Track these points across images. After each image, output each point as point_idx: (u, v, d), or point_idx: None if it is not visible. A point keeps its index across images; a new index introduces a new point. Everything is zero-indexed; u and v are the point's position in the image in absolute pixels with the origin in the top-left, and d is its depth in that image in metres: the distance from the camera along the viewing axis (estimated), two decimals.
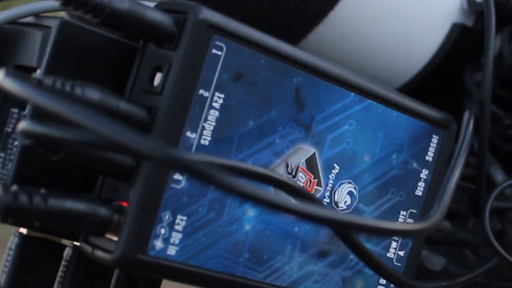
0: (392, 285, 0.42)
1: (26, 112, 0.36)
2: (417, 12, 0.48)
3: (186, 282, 0.37)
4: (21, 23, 0.38)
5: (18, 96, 0.30)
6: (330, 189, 0.40)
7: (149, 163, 0.34)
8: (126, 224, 0.35)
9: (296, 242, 0.39)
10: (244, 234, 0.38)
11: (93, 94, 0.34)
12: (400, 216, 0.42)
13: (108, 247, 0.35)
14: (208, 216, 0.36)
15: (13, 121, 0.37)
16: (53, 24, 0.36)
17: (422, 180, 0.43)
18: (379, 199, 0.42)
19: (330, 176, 0.40)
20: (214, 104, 0.36)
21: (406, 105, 0.42)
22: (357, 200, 0.41)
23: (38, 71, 0.36)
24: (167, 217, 0.35)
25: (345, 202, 0.41)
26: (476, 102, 0.45)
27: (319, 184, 0.40)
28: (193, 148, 0.36)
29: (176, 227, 0.36)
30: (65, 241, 0.38)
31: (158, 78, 0.36)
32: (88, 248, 0.36)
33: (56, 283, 0.38)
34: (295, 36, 0.45)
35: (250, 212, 0.38)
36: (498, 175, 0.48)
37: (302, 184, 0.39)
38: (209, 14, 0.36)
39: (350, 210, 0.41)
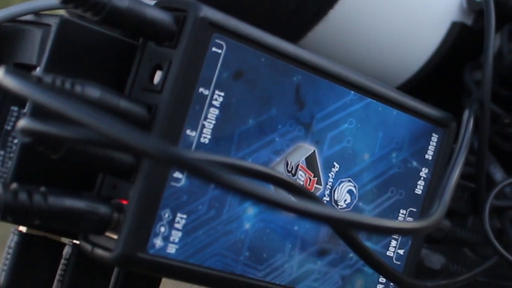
0: (391, 284, 0.42)
1: (25, 110, 0.36)
2: (417, 11, 0.48)
3: (186, 281, 0.37)
4: (21, 21, 0.38)
5: (18, 93, 0.30)
6: (330, 187, 0.40)
7: (149, 161, 0.34)
8: (126, 222, 0.35)
9: (296, 240, 0.39)
10: (244, 233, 0.38)
11: (93, 92, 0.34)
12: (400, 214, 0.42)
13: (108, 245, 0.35)
14: (208, 214, 0.36)
15: (13, 119, 0.37)
16: (53, 22, 0.36)
17: (422, 178, 0.43)
18: (379, 197, 0.42)
19: (330, 175, 0.40)
20: (214, 102, 0.36)
21: (406, 103, 0.42)
22: (356, 198, 0.41)
23: (38, 69, 0.36)
24: (167, 215, 0.35)
25: (345, 200, 0.41)
26: (475, 100, 0.45)
27: (319, 182, 0.40)
28: (193, 146, 0.36)
29: (176, 225, 0.36)
30: (64, 240, 0.38)
31: (158, 76, 0.36)
32: (88, 247, 0.36)
33: (55, 282, 0.38)
34: (295, 34, 0.45)
35: (250, 210, 0.38)
36: (498, 174, 0.48)
37: (302, 183, 0.39)
38: (209, 12, 0.36)
39: (349, 209, 0.41)
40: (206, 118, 0.36)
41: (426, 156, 0.43)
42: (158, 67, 0.36)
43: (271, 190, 0.31)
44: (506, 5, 0.49)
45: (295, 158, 0.39)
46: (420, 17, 0.48)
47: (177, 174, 0.35)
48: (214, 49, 0.36)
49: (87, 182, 0.37)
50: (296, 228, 0.39)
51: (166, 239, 0.35)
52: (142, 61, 0.36)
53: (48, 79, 0.33)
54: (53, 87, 0.32)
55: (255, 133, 0.37)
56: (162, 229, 0.35)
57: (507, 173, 0.49)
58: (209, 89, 0.36)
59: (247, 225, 0.38)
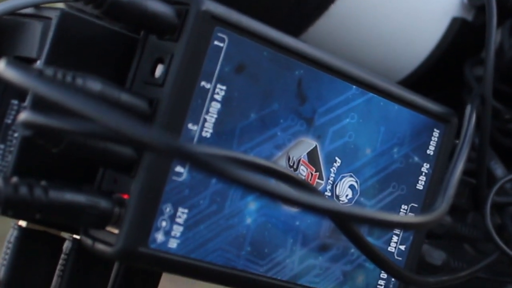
0: (393, 279, 0.42)
1: (26, 103, 0.35)
2: (417, 6, 0.48)
3: (187, 276, 0.37)
4: (21, 14, 0.38)
5: (19, 86, 0.30)
6: (331, 182, 0.40)
7: (150, 155, 0.34)
8: (127, 217, 0.34)
9: (297, 235, 0.39)
10: (245, 227, 0.37)
11: (94, 85, 0.33)
12: (401, 210, 0.42)
13: (109, 240, 0.35)
14: (209, 209, 0.36)
15: (13, 112, 0.36)
16: (54, 15, 0.36)
17: (423, 174, 0.43)
18: (380, 193, 0.41)
19: (331, 170, 0.40)
20: (216, 96, 0.36)
21: (408, 98, 0.42)
22: (358, 193, 0.41)
23: (38, 62, 0.35)
24: (168, 209, 0.35)
25: (347, 195, 0.40)
26: (477, 96, 0.45)
27: (320, 177, 0.39)
28: (195, 140, 0.35)
29: (177, 220, 0.35)
30: (64, 234, 0.38)
31: (159, 69, 0.36)
32: (89, 241, 0.36)
33: (55, 276, 0.38)
34: (296, 29, 0.45)
35: (252, 205, 0.37)
36: (498, 170, 0.48)
37: (303, 178, 0.39)
38: (211, 6, 0.35)
39: (351, 204, 0.41)
40: (208, 112, 0.36)
41: (428, 152, 0.43)
42: (160, 60, 0.36)
43: (274, 184, 0.31)
44: (507, 1, 0.49)
45: (296, 152, 0.38)
46: (421, 13, 0.48)
47: (178, 168, 0.35)
48: (216, 42, 0.36)
49: (88, 176, 0.36)
50: (297, 223, 0.39)
51: (167, 233, 0.35)
52: (143, 55, 0.36)
53: (49, 72, 0.32)
54: (55, 80, 0.32)
55: (257, 127, 0.37)
56: (164, 223, 0.35)
57: (508, 169, 0.49)
58: (211, 83, 0.36)
59: (248, 220, 0.37)
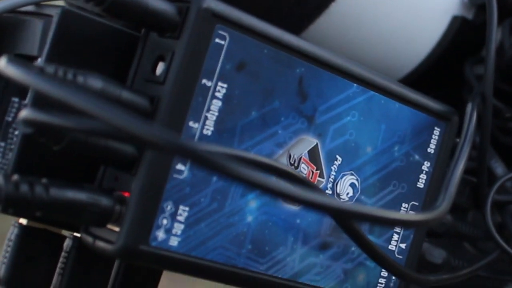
0: (393, 278, 0.42)
1: (26, 101, 0.35)
2: (418, 5, 0.48)
3: (188, 274, 0.37)
4: (21, 12, 0.38)
5: (21, 82, 0.30)
6: (332, 180, 0.40)
7: (151, 152, 0.34)
8: (128, 215, 0.34)
9: (298, 234, 0.39)
10: (246, 226, 0.37)
11: (95, 82, 0.33)
12: (402, 208, 0.42)
13: (110, 237, 0.35)
14: (210, 207, 0.36)
15: (14, 110, 0.36)
16: (54, 13, 0.36)
17: (424, 172, 0.43)
18: (381, 191, 0.41)
19: (332, 168, 0.40)
20: (217, 94, 0.36)
21: (409, 96, 0.42)
22: (359, 192, 0.41)
23: (39, 60, 0.35)
24: (169, 207, 0.35)
25: (347, 194, 0.40)
26: (478, 94, 0.45)
27: (321, 175, 0.39)
28: (196, 138, 0.35)
29: (178, 217, 0.35)
30: (65, 232, 0.38)
31: (160, 67, 0.35)
32: (89, 239, 0.36)
33: (55, 274, 0.38)
34: (297, 27, 0.44)
35: (253, 203, 0.37)
36: (499, 168, 0.48)
37: (304, 176, 0.39)
38: (212, 3, 0.35)
39: (352, 202, 0.40)
40: (209, 110, 0.36)
41: (428, 150, 0.43)
42: (161, 58, 0.36)
43: (276, 181, 0.31)
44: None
45: (297, 150, 0.38)
46: (421, 11, 0.48)
47: (179, 166, 0.35)
48: (217, 40, 0.36)
49: (88, 174, 0.36)
50: (298, 221, 0.39)
51: (168, 231, 0.35)
52: (144, 52, 0.36)
53: (50, 69, 0.32)
54: (56, 77, 0.32)
55: (258, 125, 0.37)
56: (165, 221, 0.35)
57: (508, 168, 0.49)
58: (212, 81, 0.36)
59: (249, 218, 0.37)
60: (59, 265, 0.38)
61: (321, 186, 0.39)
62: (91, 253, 0.36)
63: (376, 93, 0.41)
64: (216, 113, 0.36)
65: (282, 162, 0.38)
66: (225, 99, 0.36)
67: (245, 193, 0.37)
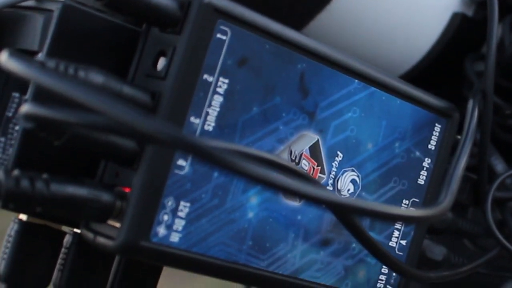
0: (394, 274, 0.42)
1: (27, 96, 0.35)
2: (418, 1, 0.47)
3: (189, 270, 0.37)
4: (22, 7, 0.37)
5: (22, 76, 0.30)
6: (333, 177, 0.40)
7: (153, 148, 0.34)
8: (129, 210, 0.34)
9: (299, 230, 0.39)
10: (247, 222, 0.37)
11: (97, 77, 0.33)
12: (403, 205, 0.42)
13: (111, 233, 0.35)
14: (211, 202, 0.36)
15: (14, 105, 0.36)
16: (55, 8, 0.36)
17: (425, 169, 0.43)
18: (382, 187, 0.41)
19: (333, 164, 0.40)
20: (218, 89, 0.36)
21: (410, 93, 0.42)
22: (360, 188, 0.41)
23: (40, 54, 0.35)
24: (170, 203, 0.35)
25: (348, 190, 0.40)
26: (479, 91, 0.45)
27: (322, 171, 0.39)
28: (197, 133, 0.35)
29: (179, 213, 0.35)
30: (65, 228, 0.38)
31: (161, 62, 0.35)
32: (90, 235, 0.35)
33: (55, 271, 0.38)
34: (298, 23, 0.44)
35: (254, 199, 0.37)
36: (499, 165, 0.48)
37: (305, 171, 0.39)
38: None
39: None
40: (210, 105, 0.36)
41: (429, 146, 0.43)
42: (162, 53, 0.35)
43: (277, 175, 0.31)
44: None
45: (298, 146, 0.38)
46: (422, 8, 0.48)
47: (180, 162, 0.35)
48: (218, 35, 0.35)
49: (89, 169, 0.36)
50: (299, 217, 0.39)
51: (169, 227, 0.35)
52: (145, 47, 0.36)
53: (51, 63, 0.32)
54: (57, 71, 0.32)
55: (259, 121, 0.37)
56: (166, 217, 0.35)
57: (508, 165, 0.49)
58: (213, 76, 0.35)
59: (250, 214, 0.37)
60: (59, 261, 0.38)
61: (322, 182, 0.39)
62: (91, 249, 0.36)
63: (377, 89, 0.41)
64: (218, 109, 0.36)
65: (283, 158, 0.38)
66: (227, 94, 0.36)
67: (246, 189, 0.37)
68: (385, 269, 0.42)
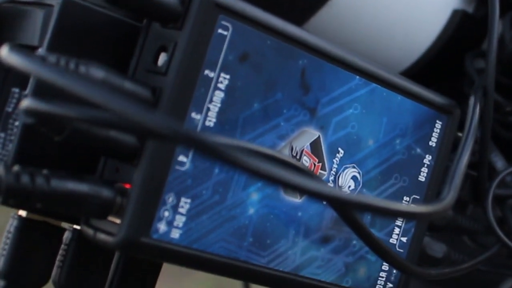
0: (394, 271, 0.42)
1: (27, 91, 0.35)
2: None
3: (189, 267, 0.36)
4: (22, 2, 0.37)
5: (23, 71, 0.29)
6: (334, 173, 0.40)
7: (153, 143, 0.34)
8: (129, 206, 0.34)
9: (299, 227, 0.39)
10: (248, 218, 0.37)
11: (98, 72, 0.33)
12: (404, 201, 0.42)
13: (111, 230, 0.35)
14: (212, 199, 0.36)
15: (14, 100, 0.36)
16: (55, 3, 0.35)
17: (425, 165, 0.43)
18: (383, 184, 0.41)
19: (334, 160, 0.39)
20: (220, 85, 0.35)
21: (411, 89, 0.42)
22: (360, 185, 0.40)
23: (40, 49, 0.35)
24: (171, 199, 0.35)
25: (349, 186, 0.40)
26: (480, 88, 0.45)
27: (323, 168, 0.39)
28: (198, 129, 0.35)
29: (180, 210, 0.35)
30: (64, 225, 0.38)
31: (162, 58, 0.35)
32: (90, 231, 0.35)
33: (55, 267, 0.37)
34: (298, 18, 0.44)
35: (254, 195, 0.37)
36: (499, 162, 0.48)
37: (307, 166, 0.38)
38: None
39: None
40: (211, 101, 0.35)
41: (430, 143, 0.43)
42: (163, 48, 0.35)
43: (278, 170, 0.31)
44: None
45: (299, 143, 0.38)
46: (422, 4, 0.48)
47: (181, 158, 0.35)
48: (220, 31, 0.35)
49: (89, 165, 0.36)
50: (300, 214, 0.39)
51: (170, 223, 0.35)
52: (146, 43, 0.36)
53: (52, 58, 0.32)
54: (58, 66, 0.32)
55: (260, 117, 0.37)
56: (166, 213, 0.35)
57: (508, 162, 0.49)
58: (214, 72, 0.35)
59: (251, 211, 0.37)
60: (58, 257, 0.37)
61: (323, 179, 0.39)
62: (91, 246, 0.36)
63: (378, 86, 0.41)
64: (219, 105, 0.36)
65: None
66: (228, 90, 0.36)
67: (246, 186, 0.37)
68: (385, 266, 0.42)
